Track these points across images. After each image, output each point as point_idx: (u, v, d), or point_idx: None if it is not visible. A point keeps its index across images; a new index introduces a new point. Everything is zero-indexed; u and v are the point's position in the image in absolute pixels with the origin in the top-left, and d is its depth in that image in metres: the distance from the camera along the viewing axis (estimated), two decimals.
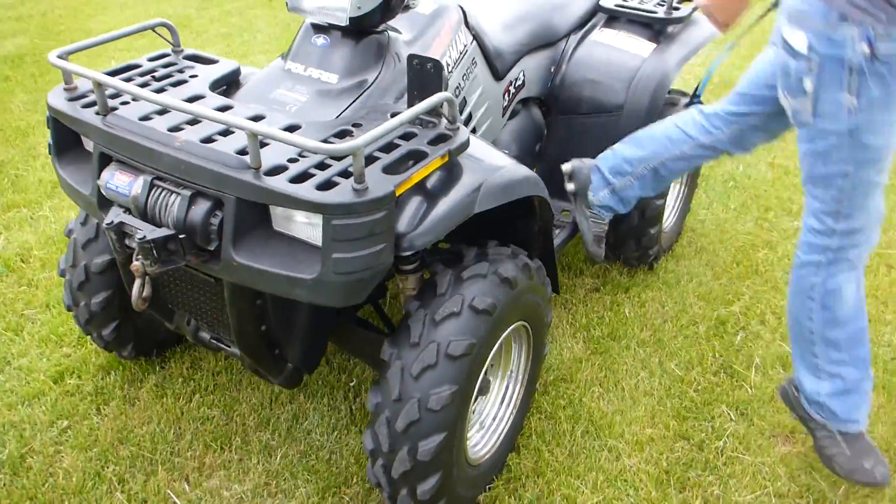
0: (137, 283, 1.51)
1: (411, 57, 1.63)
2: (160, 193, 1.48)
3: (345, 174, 1.42)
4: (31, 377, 2.19)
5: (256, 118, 1.57)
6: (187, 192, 1.45)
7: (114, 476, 1.90)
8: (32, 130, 3.65)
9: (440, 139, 1.56)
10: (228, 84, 1.87)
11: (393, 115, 1.61)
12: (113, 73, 1.79)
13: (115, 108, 1.60)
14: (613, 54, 2.43)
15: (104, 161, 1.59)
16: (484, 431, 1.90)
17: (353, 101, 1.71)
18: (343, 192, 1.35)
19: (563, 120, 2.49)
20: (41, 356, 2.27)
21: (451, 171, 1.58)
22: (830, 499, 1.93)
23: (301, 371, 1.81)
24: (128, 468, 1.93)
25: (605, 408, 2.18)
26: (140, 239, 1.40)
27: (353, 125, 1.59)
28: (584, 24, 2.54)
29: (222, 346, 1.84)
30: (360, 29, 1.74)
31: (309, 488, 1.89)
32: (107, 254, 1.98)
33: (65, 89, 1.71)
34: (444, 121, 1.60)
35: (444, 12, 2.02)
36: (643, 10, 2.48)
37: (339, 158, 1.46)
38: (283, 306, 1.69)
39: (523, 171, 1.71)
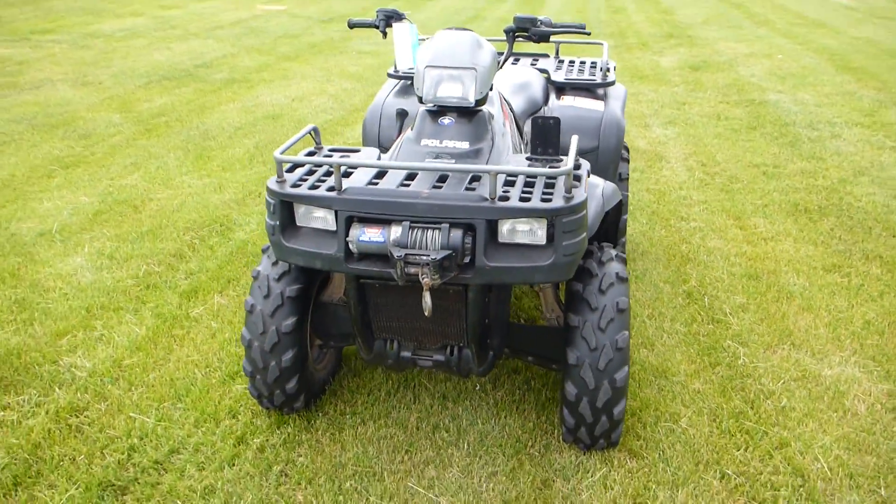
0: (427, 295, 2.03)
1: (536, 118, 2.36)
2: (417, 232, 2.04)
3: (545, 193, 2.09)
4: (217, 447, 2.48)
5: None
6: (446, 225, 2.02)
7: (356, 484, 2.30)
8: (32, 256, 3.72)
9: (576, 167, 2.29)
10: None
11: (529, 159, 2.32)
12: (297, 165, 2.31)
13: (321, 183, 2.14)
14: (580, 112, 3.31)
15: (347, 224, 2.10)
16: None
17: (488, 160, 2.37)
18: (561, 201, 2.03)
19: None
20: (209, 432, 2.55)
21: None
22: (822, 374, 2.86)
23: (496, 359, 2.38)
24: (364, 477, 2.33)
25: (657, 360, 2.96)
26: (432, 259, 1.96)
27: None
28: (547, 96, 3.42)
29: (421, 358, 2.36)
30: (474, 109, 2.42)
31: (507, 453, 2.43)
32: (293, 316, 2.41)
33: (277, 181, 2.19)
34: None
35: (495, 93, 2.76)
36: (587, 80, 3.42)
37: (531, 183, 2.13)
38: (497, 301, 2.27)
39: (611, 183, 2.49)
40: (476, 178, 2.19)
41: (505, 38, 2.75)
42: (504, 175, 2.14)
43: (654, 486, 2.31)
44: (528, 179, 2.18)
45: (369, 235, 2.08)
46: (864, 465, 2.39)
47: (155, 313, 3.31)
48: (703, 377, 2.85)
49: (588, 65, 3.72)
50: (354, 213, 2.09)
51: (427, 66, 2.33)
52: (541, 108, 3.31)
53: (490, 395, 2.73)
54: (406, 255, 1.99)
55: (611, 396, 2.25)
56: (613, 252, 2.42)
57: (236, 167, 5.24)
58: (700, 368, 2.91)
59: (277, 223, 2.18)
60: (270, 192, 2.17)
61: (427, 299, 2.03)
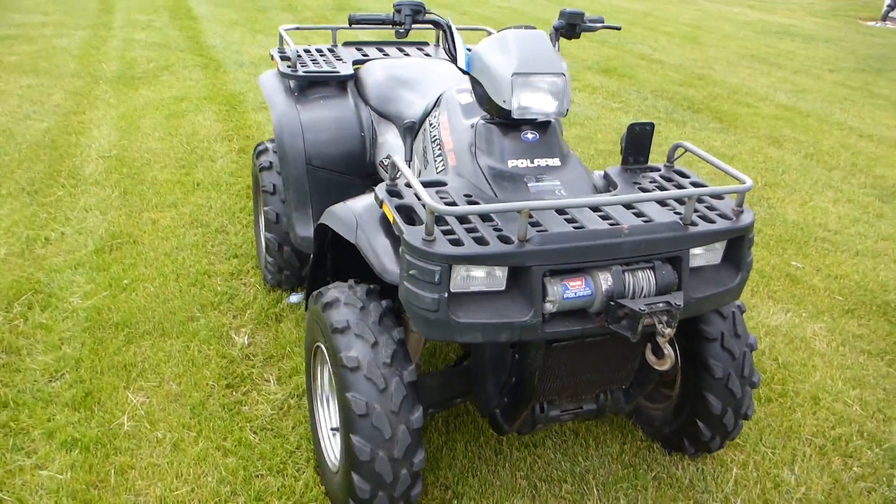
0: (668, 347, 1.73)
1: (633, 125, 2.16)
2: (628, 276, 1.74)
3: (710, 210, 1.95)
4: None
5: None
6: (659, 262, 1.77)
7: None
8: None
9: (683, 175, 2.17)
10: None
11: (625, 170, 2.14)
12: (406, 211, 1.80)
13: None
14: None
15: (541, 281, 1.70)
16: None
17: (587, 176, 2.11)
18: (741, 220, 1.90)
19: None
20: None
21: None
22: (775, 325, 3.21)
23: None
24: None
25: None
26: (677, 307, 1.69)
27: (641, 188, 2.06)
28: None
29: (566, 413, 2.05)
30: (551, 120, 2.13)
31: (636, 485, 2.27)
32: (419, 406, 1.89)
33: (426, 240, 1.67)
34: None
35: None
36: None
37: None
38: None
39: None
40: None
41: (553, 34, 2.44)
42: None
43: (776, 471, 2.37)
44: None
45: (574, 290, 1.72)
46: (880, 399, 2.77)
47: (60, 444, 2.29)
48: None
49: None
50: (553, 266, 1.70)
51: (515, 74, 1.96)
52: None
53: (563, 431, 2.50)
54: (645, 306, 1.69)
55: (750, 401, 2.23)
56: None
57: None
58: None
59: (445, 295, 1.66)
60: (428, 255, 1.63)
61: (669, 350, 1.76)
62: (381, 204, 1.88)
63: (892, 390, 2.82)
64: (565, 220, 1.83)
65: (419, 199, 1.84)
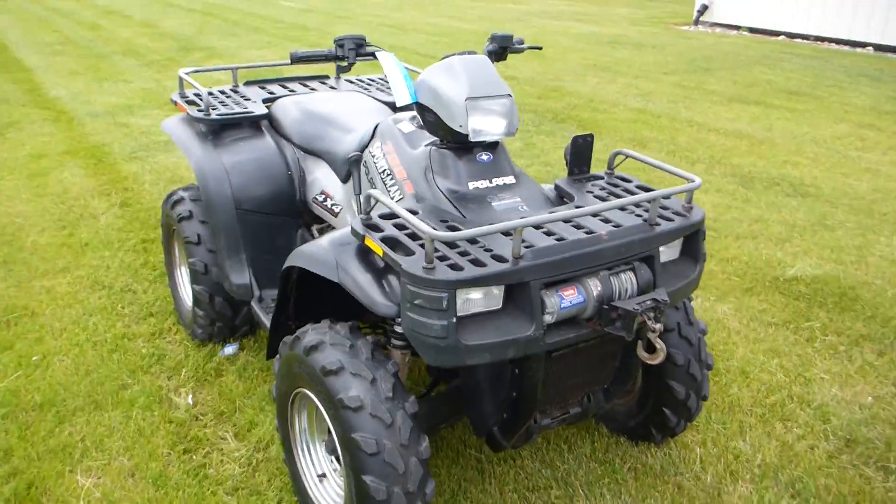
0: (659, 342, 1.83)
1: (576, 137, 2.28)
2: (614, 279, 1.84)
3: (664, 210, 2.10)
4: None
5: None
6: (638, 262, 1.88)
7: None
8: None
9: (626, 180, 2.32)
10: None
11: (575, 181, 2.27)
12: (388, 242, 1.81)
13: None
14: None
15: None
16: None
17: (540, 190, 2.21)
18: (694, 215, 2.06)
19: None
20: None
21: None
22: None
23: None
24: None
25: None
26: (664, 302, 1.81)
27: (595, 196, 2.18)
28: None
29: (555, 420, 2.11)
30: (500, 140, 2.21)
31: (618, 479, 2.37)
32: (425, 436, 1.89)
33: (427, 267, 1.69)
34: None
35: None
36: None
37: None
38: None
39: None
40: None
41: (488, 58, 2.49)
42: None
43: (732, 444, 2.56)
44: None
45: (569, 299, 1.80)
46: (796, 365, 3.05)
47: None
48: None
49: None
50: (548, 279, 1.77)
51: (469, 99, 2.04)
52: None
53: (571, 440, 2.56)
54: (639, 304, 1.79)
55: (707, 383, 2.40)
56: None
57: None
58: None
59: (454, 320, 1.68)
60: (433, 282, 1.65)
61: (661, 344, 1.86)
62: (362, 239, 1.87)
63: (803, 355, 3.12)
64: (543, 233, 1.90)
65: (403, 229, 1.86)
